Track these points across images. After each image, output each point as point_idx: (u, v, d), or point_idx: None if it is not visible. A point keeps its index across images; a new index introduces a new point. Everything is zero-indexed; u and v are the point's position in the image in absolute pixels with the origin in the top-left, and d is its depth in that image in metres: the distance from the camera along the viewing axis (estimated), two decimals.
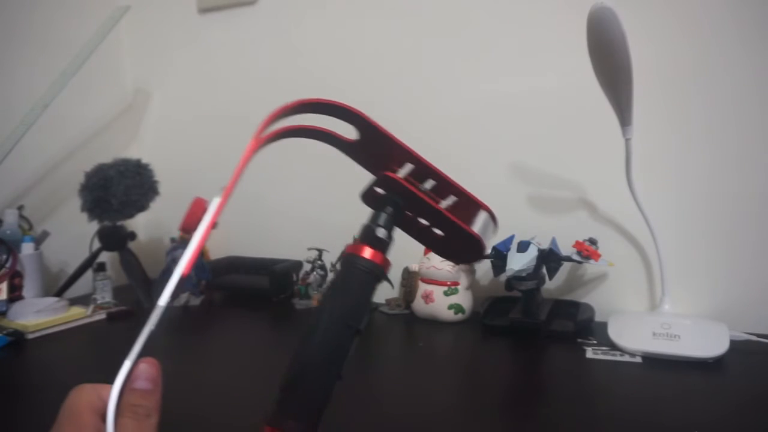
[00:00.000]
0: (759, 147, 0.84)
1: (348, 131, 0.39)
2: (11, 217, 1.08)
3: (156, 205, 1.12)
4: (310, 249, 1.06)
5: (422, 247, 0.99)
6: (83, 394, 0.30)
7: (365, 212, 0.39)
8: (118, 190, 1.03)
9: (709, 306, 0.88)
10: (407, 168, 0.39)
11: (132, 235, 1.13)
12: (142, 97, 1.43)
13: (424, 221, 0.40)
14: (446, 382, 0.74)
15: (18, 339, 0.87)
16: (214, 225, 0.31)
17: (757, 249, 0.85)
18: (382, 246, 0.37)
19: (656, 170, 0.89)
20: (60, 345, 0.88)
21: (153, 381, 0.30)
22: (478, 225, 0.39)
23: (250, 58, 1.25)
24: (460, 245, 0.39)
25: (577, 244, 0.86)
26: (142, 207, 1.08)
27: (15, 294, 0.98)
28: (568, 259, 0.86)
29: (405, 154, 0.39)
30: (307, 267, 1.07)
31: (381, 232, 0.37)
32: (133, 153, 1.32)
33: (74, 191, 1.07)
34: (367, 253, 0.37)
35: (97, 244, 1.11)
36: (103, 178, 1.03)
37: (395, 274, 1.06)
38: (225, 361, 0.81)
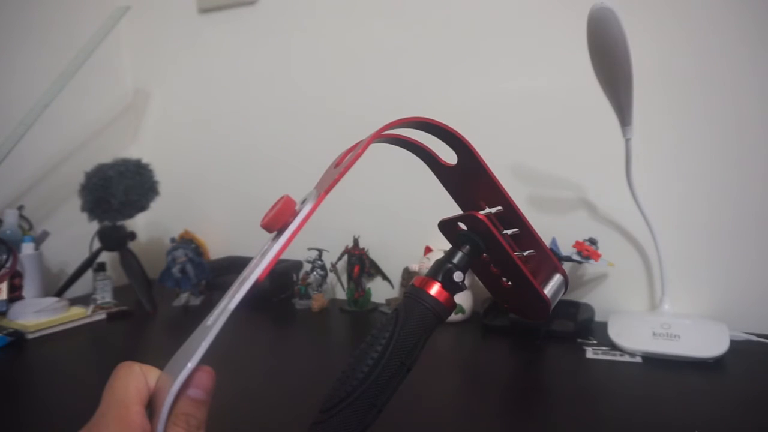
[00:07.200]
0: (759, 147, 0.84)
1: (446, 154, 0.39)
2: (11, 217, 1.08)
3: (156, 205, 1.12)
4: (310, 249, 1.06)
5: (422, 247, 1.00)
6: (132, 379, 0.28)
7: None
8: (118, 190, 1.03)
9: (709, 306, 0.88)
10: (495, 209, 0.38)
11: (132, 235, 1.13)
12: (142, 97, 1.43)
13: (495, 268, 0.39)
14: (446, 382, 0.74)
15: (18, 339, 0.87)
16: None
17: (757, 249, 0.85)
18: (454, 289, 0.36)
19: (656, 170, 0.89)
20: (60, 345, 0.88)
21: (208, 392, 0.29)
22: (550, 287, 0.39)
23: (250, 58, 1.25)
24: (525, 301, 0.38)
25: (577, 244, 0.86)
26: (142, 207, 1.09)
27: (15, 294, 0.98)
28: (568, 259, 0.86)
29: (499, 195, 0.38)
30: (307, 267, 1.07)
31: (458, 276, 0.36)
32: (133, 153, 1.32)
33: (74, 191, 1.07)
34: (437, 292, 0.36)
35: (97, 244, 1.11)
36: (103, 178, 1.03)
37: (395, 273, 1.05)
38: (225, 362, 0.81)
